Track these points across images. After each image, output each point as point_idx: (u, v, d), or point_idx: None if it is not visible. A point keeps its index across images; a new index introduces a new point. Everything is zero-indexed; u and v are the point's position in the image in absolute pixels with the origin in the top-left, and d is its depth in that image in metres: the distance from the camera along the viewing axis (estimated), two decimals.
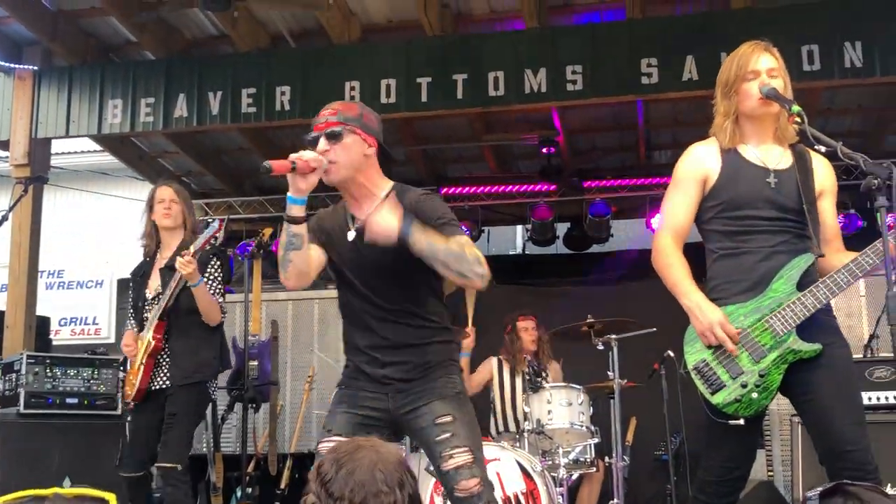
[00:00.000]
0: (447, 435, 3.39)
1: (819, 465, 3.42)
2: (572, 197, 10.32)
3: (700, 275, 3.60)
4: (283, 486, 7.57)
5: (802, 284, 3.41)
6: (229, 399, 6.95)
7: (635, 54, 7.29)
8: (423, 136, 10.05)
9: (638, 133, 9.89)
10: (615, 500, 6.14)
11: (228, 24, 7.96)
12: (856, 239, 7.09)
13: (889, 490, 4.36)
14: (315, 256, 3.50)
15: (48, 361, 6.86)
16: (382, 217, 3.22)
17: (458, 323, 6.31)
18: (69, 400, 6.85)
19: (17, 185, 7.32)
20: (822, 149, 3.31)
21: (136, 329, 5.40)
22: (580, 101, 7.71)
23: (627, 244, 11.04)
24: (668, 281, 3.58)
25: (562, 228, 10.63)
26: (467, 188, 10.54)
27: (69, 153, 11.92)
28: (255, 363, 7.47)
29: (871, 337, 6.91)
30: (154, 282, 5.35)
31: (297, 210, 3.36)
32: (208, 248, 5.18)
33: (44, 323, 8.62)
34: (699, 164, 3.61)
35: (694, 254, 3.65)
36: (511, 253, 12.56)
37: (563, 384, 6.36)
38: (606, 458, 6.54)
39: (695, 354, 3.49)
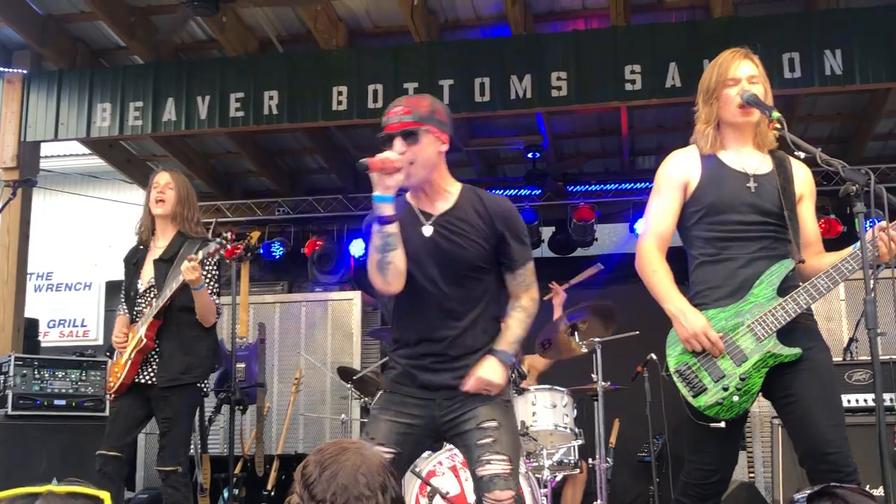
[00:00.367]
0: (490, 440, 3.32)
1: (799, 466, 3.46)
2: (557, 201, 10.38)
3: (682, 279, 3.65)
4: (269, 487, 7.59)
5: (783, 290, 3.46)
6: (217, 401, 6.97)
7: (619, 61, 7.36)
8: None
9: (622, 138, 9.97)
10: (598, 502, 6.18)
11: (217, 29, 7.99)
12: (836, 243, 7.18)
13: None
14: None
15: (36, 363, 6.88)
16: (491, 381, 3.35)
17: None
18: (57, 402, 6.87)
19: (5, 188, 7.31)
20: (802, 155, 3.34)
21: (125, 315, 5.28)
22: (565, 106, 7.78)
23: (611, 248, 11.09)
24: (651, 286, 3.62)
25: (546, 232, 10.68)
26: None
27: (58, 156, 11.90)
28: (243, 365, 7.49)
29: (851, 340, 6.99)
30: (147, 272, 5.24)
31: (388, 209, 3.26)
32: (217, 257, 5.11)
33: (32, 325, 8.63)
34: (680, 170, 3.66)
35: (676, 258, 3.70)
36: None
37: (547, 387, 6.40)
38: (590, 460, 6.58)
39: (677, 357, 3.52)
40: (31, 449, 6.60)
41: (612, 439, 7.33)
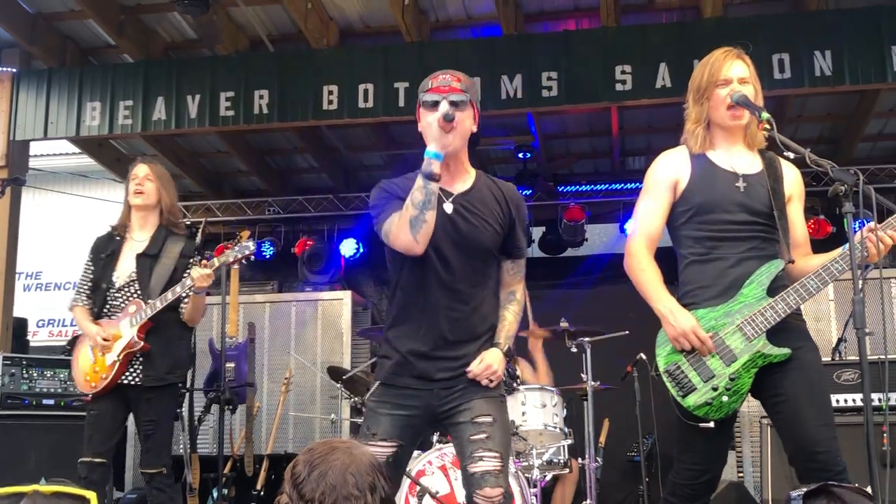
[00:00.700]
0: (483, 436, 3.33)
1: (788, 465, 3.46)
2: (547, 202, 10.39)
3: (671, 279, 3.66)
4: (259, 486, 7.57)
5: (772, 290, 3.47)
6: (206, 400, 6.95)
7: (610, 61, 7.38)
8: (400, 141, 10.11)
9: (612, 139, 9.99)
10: (588, 501, 6.19)
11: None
12: (825, 244, 7.20)
13: None
14: None
15: (24, 363, 6.87)
16: (498, 363, 3.44)
17: None
18: (45, 401, 6.86)
19: None
20: (791, 155, 3.34)
21: (87, 307, 5.06)
22: (556, 107, 7.79)
23: (602, 248, 11.11)
24: (640, 286, 3.62)
25: (537, 232, 10.69)
26: None
27: (48, 155, 11.87)
28: (232, 365, 7.47)
29: (839, 341, 6.95)
30: (126, 266, 5.04)
31: (438, 166, 3.27)
32: (236, 257, 5.01)
33: (21, 324, 8.60)
34: (669, 170, 3.67)
35: (665, 258, 3.71)
36: None
37: (537, 386, 6.40)
38: (580, 460, 6.59)
39: (666, 357, 3.53)
40: (20, 448, 6.59)
41: (602, 439, 7.33)
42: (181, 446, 6.93)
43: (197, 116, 7.94)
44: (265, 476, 7.59)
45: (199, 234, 5.33)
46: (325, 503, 2.09)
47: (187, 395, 6.84)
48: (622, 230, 9.95)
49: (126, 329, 4.93)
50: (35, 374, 6.82)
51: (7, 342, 7.87)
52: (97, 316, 5.04)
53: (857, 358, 3.16)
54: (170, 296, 4.90)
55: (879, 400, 5.68)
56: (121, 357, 4.90)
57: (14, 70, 8.31)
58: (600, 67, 7.41)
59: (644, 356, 5.91)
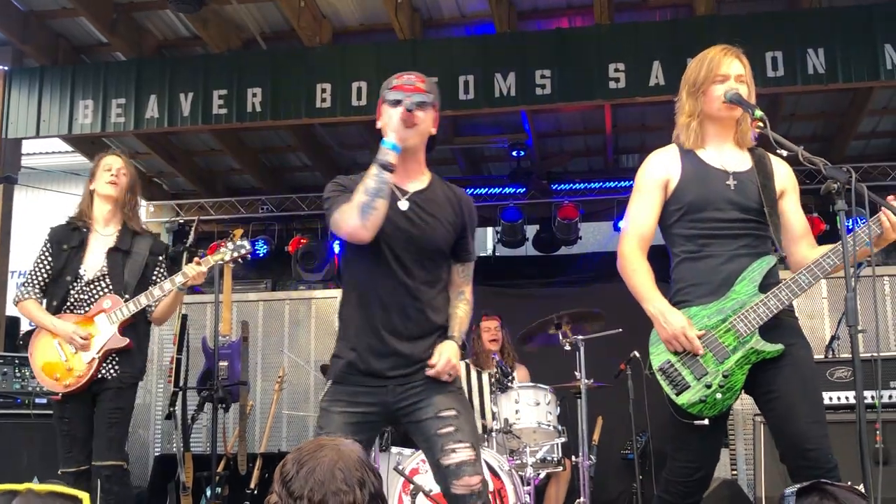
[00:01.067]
0: (451, 429, 3.36)
1: (780, 463, 3.47)
2: (541, 200, 10.39)
3: (663, 277, 3.66)
4: (252, 485, 7.55)
5: (765, 286, 3.48)
6: (199, 399, 6.94)
7: (603, 59, 7.39)
8: None
9: (606, 137, 9.99)
10: (582, 499, 6.19)
11: (200, 26, 7.97)
12: (819, 242, 7.22)
13: None
14: None
15: (17, 362, 6.85)
16: (456, 358, 3.43)
17: None
18: (38, 400, 6.83)
19: None
20: (784, 153, 3.35)
21: (39, 300, 4.87)
22: (549, 105, 7.80)
23: (595, 246, 11.12)
24: (632, 287, 3.63)
25: (531, 231, 10.69)
26: None
27: (40, 153, 11.85)
28: (226, 363, 7.45)
29: (832, 338, 7.03)
30: (96, 260, 4.87)
31: (394, 157, 3.33)
32: (232, 256, 4.97)
33: (13, 323, 8.58)
34: (660, 169, 3.67)
35: (658, 257, 3.71)
36: (481, 255, 12.63)
37: (530, 384, 6.40)
38: (573, 458, 6.59)
39: (660, 355, 3.53)
40: (12, 447, 6.56)
41: (596, 437, 7.33)
42: (174, 445, 6.93)
43: (190, 114, 7.93)
44: (259, 475, 7.58)
45: (192, 233, 5.31)
46: (313, 499, 2.10)
47: (180, 393, 6.87)
48: (616, 228, 9.95)
49: (104, 325, 4.78)
50: (27, 373, 6.79)
51: None
52: (56, 310, 4.83)
53: (850, 355, 3.16)
54: (157, 292, 4.81)
55: (872, 397, 5.69)
56: (99, 354, 4.75)
57: (6, 68, 8.29)
58: (594, 65, 7.42)
59: (638, 354, 5.92)
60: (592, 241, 11.15)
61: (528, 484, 5.91)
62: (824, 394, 6.07)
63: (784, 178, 3.68)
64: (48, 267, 4.91)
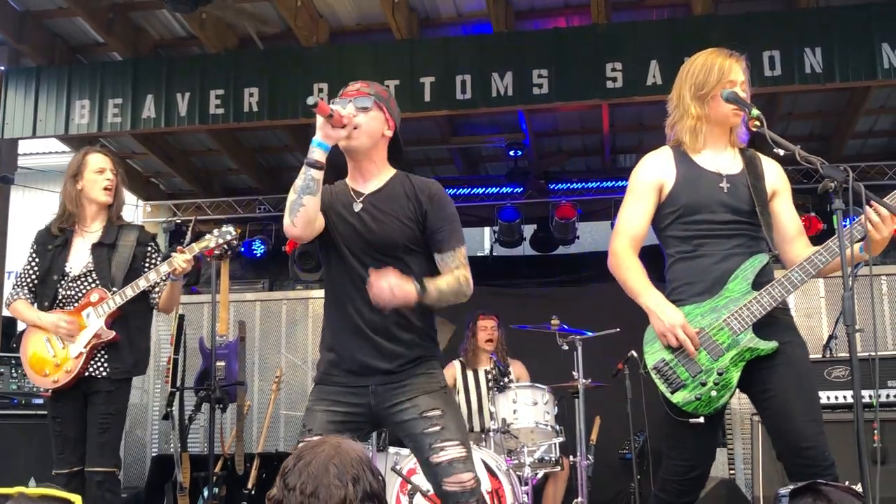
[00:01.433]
0: (437, 428, 3.36)
1: (778, 461, 3.47)
2: (539, 199, 10.39)
3: (657, 278, 3.66)
4: (250, 485, 7.55)
5: (758, 284, 3.48)
6: (196, 399, 6.94)
7: (601, 59, 7.37)
8: None
9: (603, 136, 9.99)
10: (580, 499, 6.21)
11: (196, 26, 7.95)
12: (816, 241, 7.22)
13: None
14: (320, 211, 3.48)
15: (14, 362, 6.84)
16: (399, 286, 3.23)
17: None
18: (35, 401, 6.83)
19: None
20: (781, 152, 3.35)
21: (29, 300, 4.88)
22: (546, 104, 7.79)
23: (593, 246, 11.11)
24: (626, 283, 3.64)
25: (528, 230, 10.69)
26: None
27: (37, 154, 11.83)
28: (223, 363, 7.46)
29: (830, 337, 7.02)
30: (80, 256, 4.85)
31: (320, 154, 3.37)
32: (217, 243, 4.90)
33: (10, 324, 8.56)
34: (655, 172, 3.69)
35: (651, 256, 3.72)
36: (479, 254, 12.63)
37: (528, 384, 6.41)
38: (571, 457, 6.59)
39: (654, 354, 3.54)
40: (9, 448, 6.56)
41: (594, 436, 7.34)
42: (171, 445, 6.93)
43: (187, 114, 7.91)
44: (256, 475, 7.58)
45: (189, 233, 5.29)
46: (305, 491, 2.15)
47: (177, 393, 6.87)
48: (613, 228, 9.94)
49: (92, 319, 4.76)
50: (24, 374, 6.78)
51: None
52: (47, 309, 4.83)
53: (848, 355, 3.15)
54: (142, 283, 4.77)
55: (870, 397, 5.69)
56: (87, 348, 4.71)
57: (2, 68, 8.28)
58: (591, 65, 7.40)
59: (635, 353, 5.91)
60: (590, 241, 11.14)
61: (526, 484, 5.91)
62: (822, 393, 6.09)
63: (775, 178, 3.69)
64: (35, 268, 4.93)
